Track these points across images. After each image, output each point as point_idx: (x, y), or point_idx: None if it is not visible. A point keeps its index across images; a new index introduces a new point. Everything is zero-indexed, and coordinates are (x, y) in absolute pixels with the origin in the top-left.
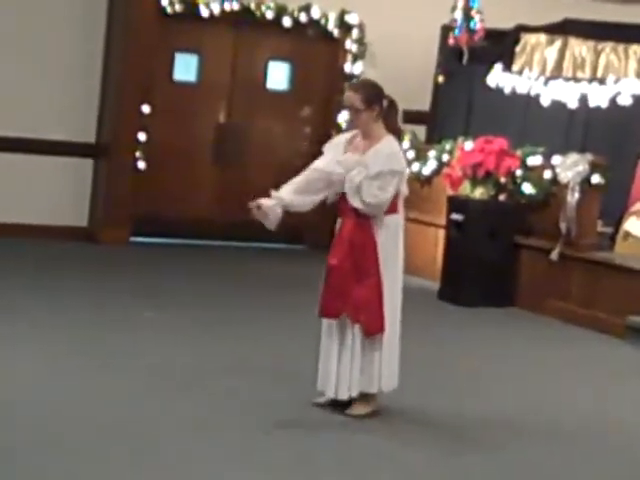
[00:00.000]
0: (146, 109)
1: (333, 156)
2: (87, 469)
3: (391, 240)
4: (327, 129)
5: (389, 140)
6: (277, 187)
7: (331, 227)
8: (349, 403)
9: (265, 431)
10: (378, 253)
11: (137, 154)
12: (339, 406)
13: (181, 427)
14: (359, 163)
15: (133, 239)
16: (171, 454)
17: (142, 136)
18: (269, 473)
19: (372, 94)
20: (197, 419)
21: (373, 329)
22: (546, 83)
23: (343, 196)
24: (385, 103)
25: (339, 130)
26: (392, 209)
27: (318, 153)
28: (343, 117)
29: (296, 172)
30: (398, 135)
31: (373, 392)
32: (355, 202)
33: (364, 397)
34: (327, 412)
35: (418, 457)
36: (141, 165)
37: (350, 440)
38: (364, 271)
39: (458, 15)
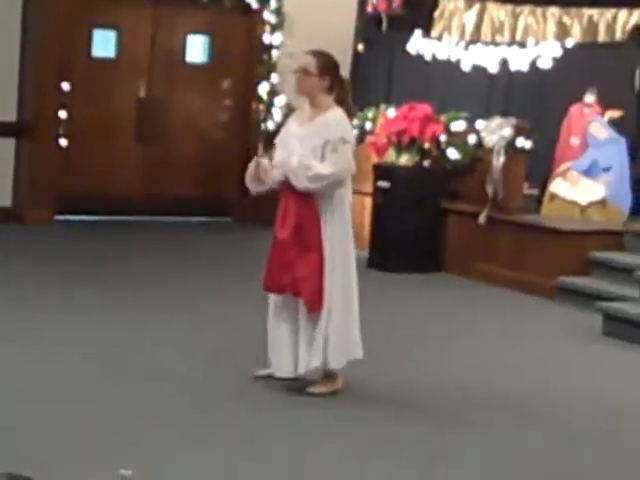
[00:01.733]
0: (66, 86)
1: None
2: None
3: (337, 214)
4: (247, 101)
5: (336, 111)
6: (199, 160)
7: (255, 200)
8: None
9: (210, 408)
10: (321, 228)
11: (59, 132)
12: (281, 378)
13: (128, 410)
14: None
15: (58, 218)
16: (120, 437)
17: (63, 114)
18: (217, 449)
19: (328, 63)
20: (138, 400)
21: (314, 305)
22: (466, 48)
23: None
24: (338, 79)
25: (260, 101)
26: None
27: (239, 125)
28: (263, 88)
29: (217, 144)
30: (347, 111)
31: (317, 366)
32: (308, 185)
33: (325, 376)
34: (272, 387)
35: (367, 432)
36: (63, 143)
37: (297, 416)
38: (306, 246)
39: None
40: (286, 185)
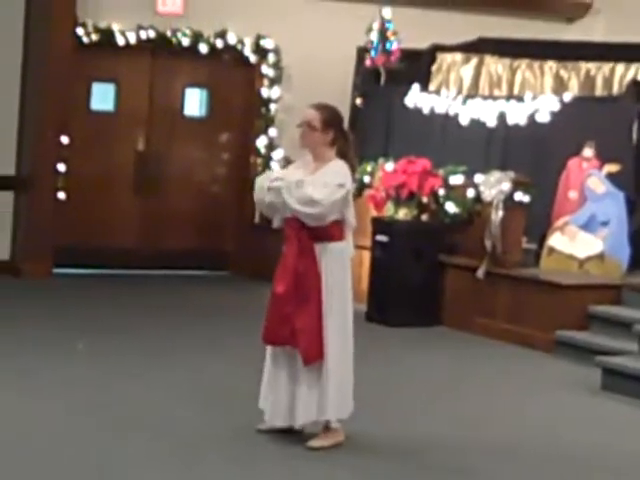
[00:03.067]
0: (65, 140)
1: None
2: None
3: (337, 268)
4: (246, 154)
5: (338, 162)
6: (197, 213)
7: (253, 253)
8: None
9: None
10: (321, 281)
11: (57, 185)
12: (282, 431)
13: (126, 459)
14: (299, 182)
15: (56, 271)
16: None
17: (62, 167)
18: None
19: (332, 118)
20: (139, 451)
21: (310, 357)
22: (464, 102)
23: (288, 221)
24: (342, 133)
25: (258, 155)
26: (337, 236)
27: (237, 178)
28: (262, 142)
29: (215, 197)
30: (350, 164)
31: (320, 419)
32: (295, 207)
33: (326, 429)
34: (271, 439)
35: None
36: (62, 196)
37: (297, 469)
38: (305, 298)
39: (374, 36)
40: (288, 229)
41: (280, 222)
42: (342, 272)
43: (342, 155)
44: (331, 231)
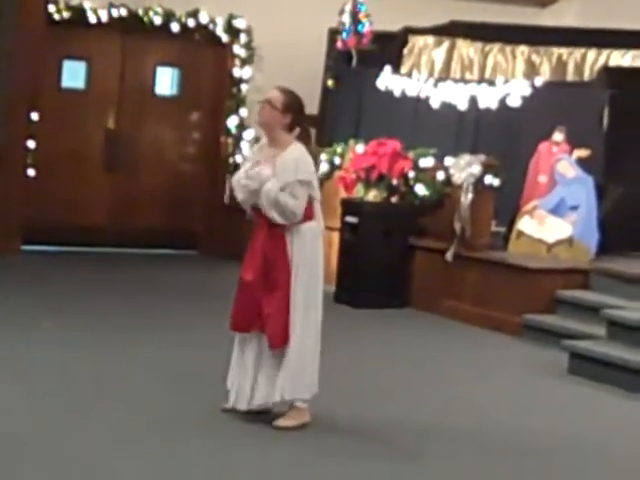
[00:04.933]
0: (35, 116)
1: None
2: None
3: (307, 248)
4: (216, 134)
5: (296, 147)
6: (167, 192)
7: (222, 233)
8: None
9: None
10: (290, 266)
11: (27, 162)
12: (248, 412)
13: (94, 439)
14: (269, 177)
15: (25, 248)
16: (88, 467)
17: (31, 144)
18: None
19: (293, 103)
20: (108, 430)
21: (277, 342)
22: (435, 85)
23: (257, 208)
24: (300, 122)
25: (229, 135)
26: (307, 216)
27: (208, 158)
28: (232, 122)
29: (186, 177)
30: (307, 147)
31: (276, 401)
32: (271, 214)
33: (292, 409)
34: (238, 419)
35: (334, 467)
36: (31, 173)
37: (264, 448)
38: (274, 284)
39: (346, 18)
40: (257, 215)
41: (251, 214)
42: (313, 253)
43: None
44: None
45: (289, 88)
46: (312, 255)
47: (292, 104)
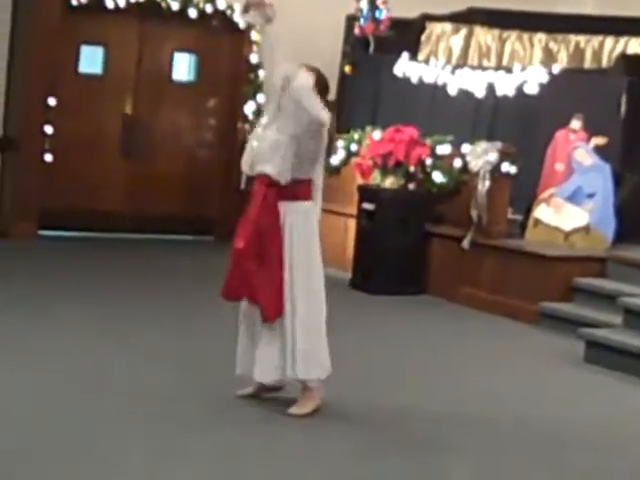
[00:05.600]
0: (52, 102)
1: None
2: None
3: (302, 226)
4: (233, 120)
5: None
6: (184, 178)
7: (238, 219)
8: (273, 389)
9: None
10: (282, 237)
11: (44, 147)
12: (263, 397)
13: (107, 423)
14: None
15: (42, 233)
16: (99, 450)
17: (49, 129)
18: (197, 468)
19: (319, 81)
20: (121, 418)
21: (269, 314)
22: (453, 72)
23: (257, 179)
24: (324, 100)
25: (245, 121)
26: (303, 195)
27: (224, 144)
28: (249, 108)
29: (202, 163)
30: (329, 136)
31: (285, 378)
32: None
33: (304, 394)
34: (252, 405)
35: (343, 453)
36: (48, 158)
37: (275, 435)
38: (266, 255)
39: (364, 5)
40: (257, 189)
41: (250, 184)
42: (307, 230)
43: None
44: (297, 190)
45: (317, 67)
46: (306, 230)
47: (317, 82)
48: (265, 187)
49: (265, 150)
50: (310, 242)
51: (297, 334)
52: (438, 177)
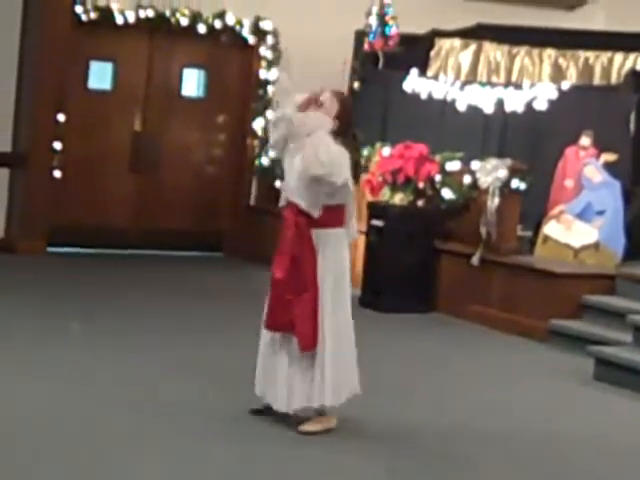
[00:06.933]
0: (61, 118)
1: None
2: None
3: (334, 254)
4: (242, 136)
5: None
6: (193, 194)
7: (247, 235)
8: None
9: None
10: (317, 267)
11: (53, 163)
12: (275, 413)
13: (116, 440)
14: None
15: (50, 249)
16: (108, 466)
17: (58, 145)
18: None
19: (344, 113)
20: (137, 432)
21: (306, 344)
22: (462, 88)
23: (287, 206)
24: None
25: (255, 137)
26: (336, 222)
27: (234, 160)
28: (258, 124)
29: (211, 179)
30: (354, 168)
31: (312, 406)
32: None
33: (319, 414)
34: (265, 421)
35: (357, 468)
36: (57, 174)
37: (290, 453)
38: (302, 285)
39: (373, 20)
40: (288, 213)
41: (284, 201)
42: (339, 258)
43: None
44: (328, 218)
45: (340, 91)
46: (340, 261)
47: (341, 112)
48: (294, 215)
49: (294, 183)
50: (341, 271)
51: (326, 364)
52: (447, 194)
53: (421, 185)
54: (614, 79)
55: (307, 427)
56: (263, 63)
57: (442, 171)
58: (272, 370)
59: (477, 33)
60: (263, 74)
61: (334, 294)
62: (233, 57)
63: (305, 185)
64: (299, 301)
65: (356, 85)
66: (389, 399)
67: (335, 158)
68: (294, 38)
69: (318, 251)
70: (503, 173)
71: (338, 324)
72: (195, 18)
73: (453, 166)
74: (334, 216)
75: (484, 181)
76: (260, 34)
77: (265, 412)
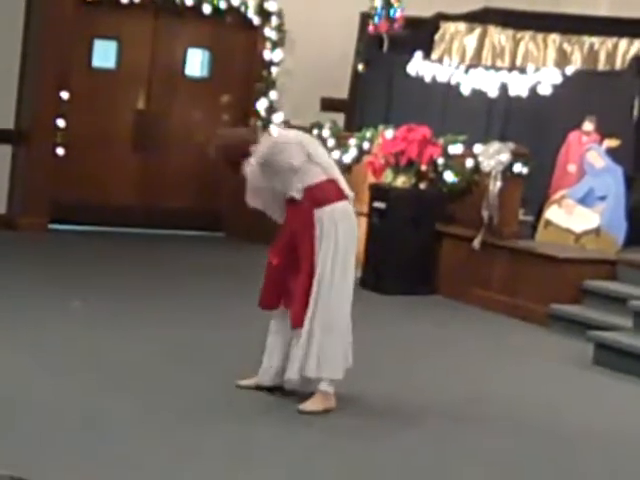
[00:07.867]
0: (65, 95)
1: None
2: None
3: (332, 231)
4: (246, 116)
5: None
6: (196, 174)
7: (248, 215)
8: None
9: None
10: (313, 240)
11: (56, 140)
12: (263, 389)
13: (120, 420)
14: None
15: (52, 226)
16: (110, 447)
17: (61, 122)
18: (206, 463)
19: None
20: (134, 412)
21: (296, 321)
22: (466, 72)
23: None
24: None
25: (258, 117)
26: (334, 197)
27: None
28: (262, 105)
29: (214, 159)
30: None
31: (296, 377)
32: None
33: (317, 393)
34: (260, 400)
35: (354, 448)
36: (60, 152)
37: (288, 433)
38: (299, 263)
39: (378, 3)
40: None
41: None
42: (336, 235)
43: None
44: (323, 194)
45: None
46: (337, 237)
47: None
48: (294, 202)
49: (265, 184)
50: (342, 245)
51: (315, 335)
52: (450, 177)
53: (424, 168)
54: (619, 65)
55: (307, 406)
56: (268, 44)
57: (445, 154)
58: (274, 345)
59: (482, 17)
60: (267, 55)
61: (333, 269)
62: (237, 38)
63: (268, 176)
64: (295, 276)
65: (360, 67)
66: (389, 380)
67: (279, 141)
68: (299, 19)
69: (319, 224)
70: (506, 157)
71: (332, 300)
72: None
73: (456, 149)
74: (329, 192)
75: (486, 165)
76: (265, 15)
77: (263, 390)
